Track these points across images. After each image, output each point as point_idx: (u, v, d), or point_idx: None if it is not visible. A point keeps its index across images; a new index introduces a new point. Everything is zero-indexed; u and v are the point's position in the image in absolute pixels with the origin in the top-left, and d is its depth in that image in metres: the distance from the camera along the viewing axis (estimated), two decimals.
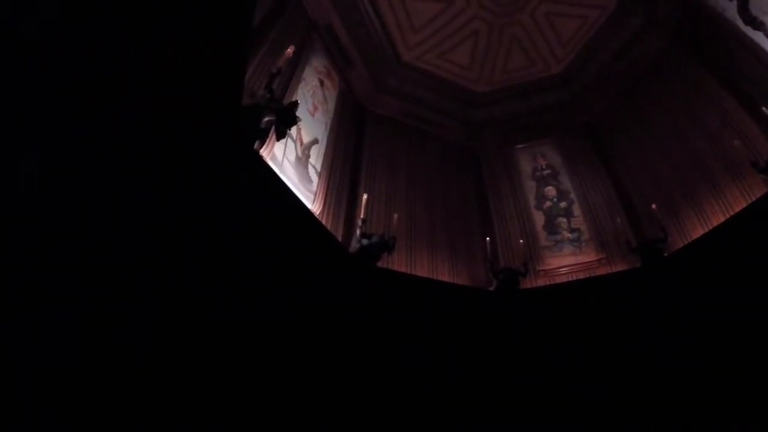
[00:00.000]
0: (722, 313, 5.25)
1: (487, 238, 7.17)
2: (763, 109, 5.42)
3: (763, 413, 4.66)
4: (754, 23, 5.85)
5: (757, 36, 5.84)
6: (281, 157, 5.29)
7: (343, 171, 6.85)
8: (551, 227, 7.63)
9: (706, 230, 5.96)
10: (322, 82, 7.06)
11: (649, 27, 7.98)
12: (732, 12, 6.20)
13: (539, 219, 7.81)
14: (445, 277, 6.64)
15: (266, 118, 4.62)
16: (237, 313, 4.07)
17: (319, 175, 6.09)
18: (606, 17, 8.28)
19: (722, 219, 5.81)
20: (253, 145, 4.48)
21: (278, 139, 4.99)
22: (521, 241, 7.20)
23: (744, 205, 5.57)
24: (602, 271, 6.77)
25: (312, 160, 6.04)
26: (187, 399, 3.45)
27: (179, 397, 3.38)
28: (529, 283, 6.78)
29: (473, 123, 9.38)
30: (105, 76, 2.70)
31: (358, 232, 5.82)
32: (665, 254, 6.21)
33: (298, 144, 5.81)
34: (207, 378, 3.70)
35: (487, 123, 9.38)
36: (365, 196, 6.16)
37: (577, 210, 7.71)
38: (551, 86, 9.22)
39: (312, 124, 6.32)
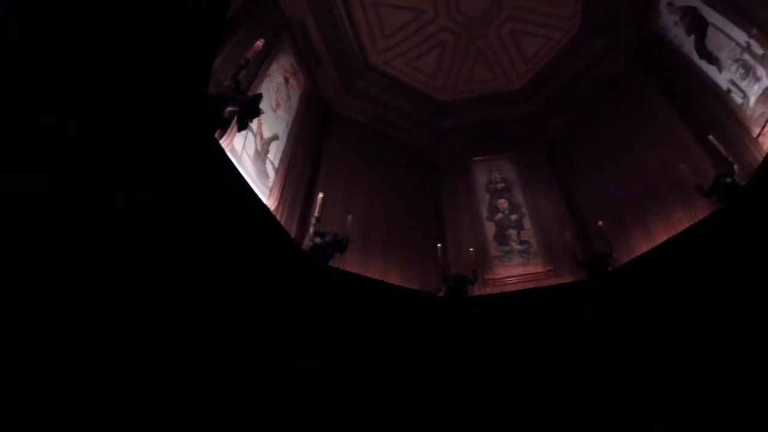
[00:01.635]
0: (662, 327, 5.52)
1: (439, 245, 7.26)
2: (711, 137, 5.75)
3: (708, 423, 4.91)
4: (709, 58, 6.18)
5: (711, 70, 6.17)
6: (240, 150, 5.30)
7: (301, 169, 6.88)
8: (501, 238, 7.82)
9: (651, 247, 6.23)
10: (287, 80, 7.08)
11: (610, 51, 8.35)
12: (689, 46, 6.55)
13: (490, 229, 7.98)
14: (396, 280, 6.68)
15: (229, 108, 4.62)
16: (184, 302, 4.06)
17: (277, 171, 6.12)
18: (569, 39, 8.62)
19: (666, 237, 6.07)
20: (214, 133, 4.46)
21: (240, 130, 4.98)
22: (471, 249, 7.32)
23: (687, 225, 5.82)
24: (549, 282, 6.94)
25: (270, 155, 6.06)
26: (124, 396, 3.43)
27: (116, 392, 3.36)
28: (477, 291, 6.88)
29: (435, 131, 9.56)
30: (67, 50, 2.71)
31: (311, 230, 5.83)
32: (610, 269, 6.45)
33: (258, 138, 5.83)
34: (149, 374, 3.67)
35: (449, 132, 9.58)
36: (321, 195, 6.18)
37: (527, 223, 7.92)
38: (512, 100, 9.49)
39: (273, 121, 6.35)
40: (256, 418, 4.50)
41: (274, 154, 6.19)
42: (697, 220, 5.71)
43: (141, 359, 3.59)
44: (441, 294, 6.72)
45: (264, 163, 5.86)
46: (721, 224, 5.37)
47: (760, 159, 5.09)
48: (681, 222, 6.06)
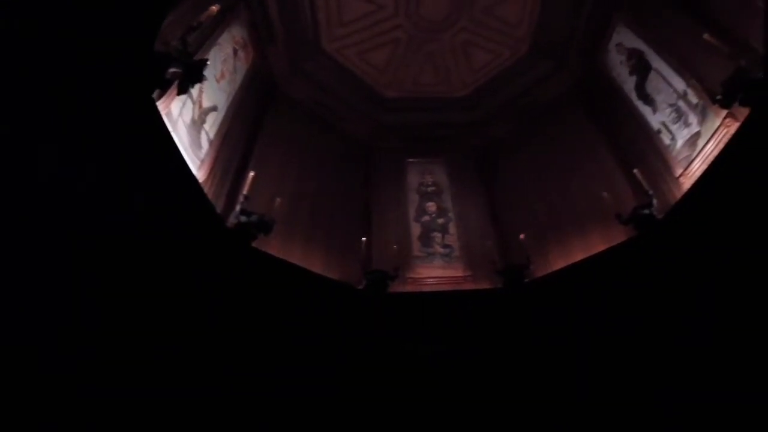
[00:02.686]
0: (572, 339, 5.85)
1: (363, 239, 7.34)
2: (635, 171, 6.22)
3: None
4: (646, 99, 6.69)
5: (646, 110, 6.69)
6: (176, 115, 5.12)
7: (236, 145, 6.77)
8: (426, 240, 8.05)
9: (567, 264, 6.64)
10: (236, 52, 6.95)
11: (553, 77, 8.84)
12: (630, 85, 7.07)
13: (416, 230, 8.19)
14: (317, 268, 6.69)
15: (172, 69, 4.48)
16: (91, 266, 3.95)
17: (211, 144, 5.98)
18: (516, 58, 9.03)
19: (582, 257, 6.48)
20: (152, 93, 4.29)
21: (179, 94, 4.83)
22: (395, 247, 7.48)
23: (603, 248, 6.23)
24: (467, 286, 7.21)
25: (207, 126, 5.92)
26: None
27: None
28: (397, 288, 6.99)
29: (376, 125, 9.66)
30: None
31: (238, 207, 5.74)
32: (527, 280, 6.78)
33: (197, 107, 5.68)
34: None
35: (388, 128, 9.70)
36: (252, 173, 6.11)
37: (452, 228, 8.20)
38: (453, 107, 9.75)
39: (215, 91, 6.21)
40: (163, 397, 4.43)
41: (211, 125, 6.04)
42: (612, 245, 6.13)
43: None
44: (361, 287, 6.80)
45: (199, 133, 5.71)
46: (635, 251, 5.82)
47: (679, 196, 5.56)
48: (597, 244, 6.48)
